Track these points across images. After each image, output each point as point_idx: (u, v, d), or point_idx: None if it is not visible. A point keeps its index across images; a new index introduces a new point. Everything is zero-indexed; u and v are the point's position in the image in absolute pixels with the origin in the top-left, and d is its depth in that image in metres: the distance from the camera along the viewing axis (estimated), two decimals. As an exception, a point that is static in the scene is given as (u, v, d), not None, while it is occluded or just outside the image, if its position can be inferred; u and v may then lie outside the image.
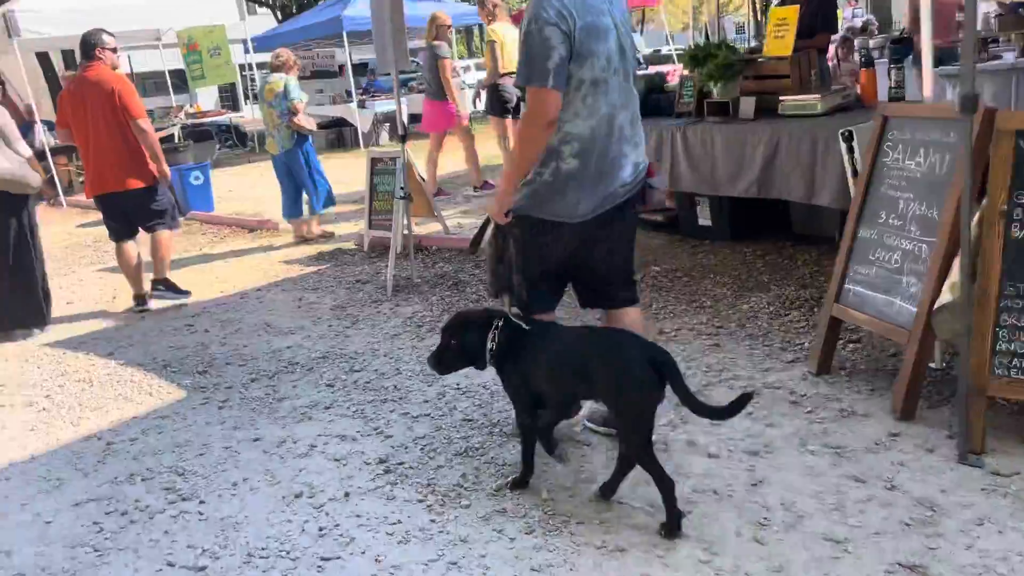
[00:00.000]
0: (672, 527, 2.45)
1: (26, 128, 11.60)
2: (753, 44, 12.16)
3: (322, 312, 5.21)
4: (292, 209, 7.36)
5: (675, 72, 10.30)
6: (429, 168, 8.43)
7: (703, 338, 4.00)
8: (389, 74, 6.12)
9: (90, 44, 5.48)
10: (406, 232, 5.73)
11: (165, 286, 5.82)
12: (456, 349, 2.83)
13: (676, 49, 19.02)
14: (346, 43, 14.40)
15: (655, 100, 6.06)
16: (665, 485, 2.45)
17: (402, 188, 5.53)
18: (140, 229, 5.72)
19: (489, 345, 2.74)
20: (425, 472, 3.04)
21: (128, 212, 5.61)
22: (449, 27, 8.43)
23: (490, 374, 2.94)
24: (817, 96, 4.60)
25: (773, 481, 2.71)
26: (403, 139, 5.61)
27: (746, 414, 3.17)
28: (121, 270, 5.78)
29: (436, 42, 8.23)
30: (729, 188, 4.89)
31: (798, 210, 5.37)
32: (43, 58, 16.60)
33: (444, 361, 2.87)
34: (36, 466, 3.47)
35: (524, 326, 2.75)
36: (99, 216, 6.03)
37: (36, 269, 5.38)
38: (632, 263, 3.02)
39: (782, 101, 4.71)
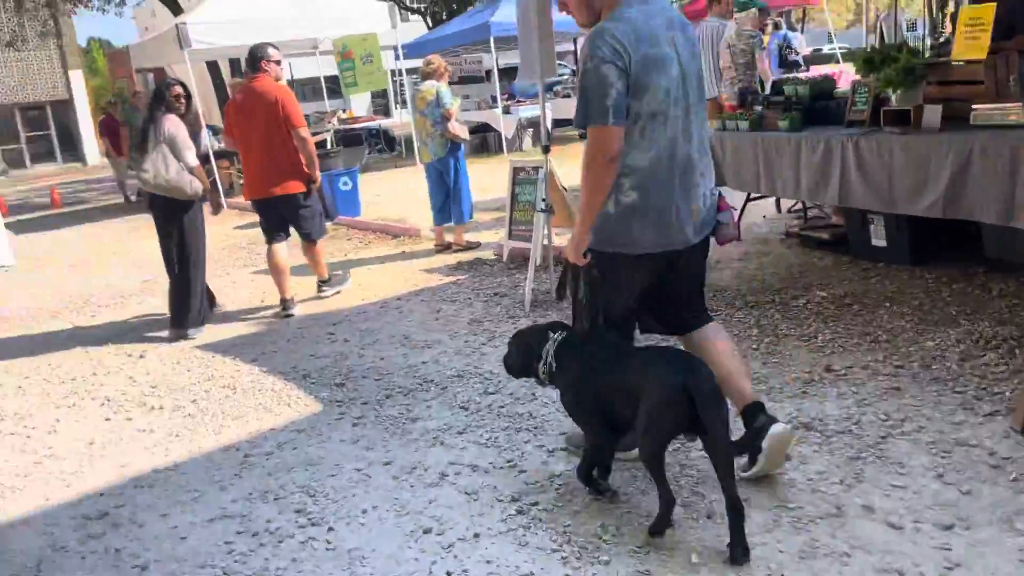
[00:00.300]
0: (655, 529, 2.54)
1: (194, 134, 12.33)
2: (928, 44, 11.17)
3: (459, 326, 5.09)
4: (440, 216, 7.32)
5: (839, 74, 9.58)
6: None
7: (880, 379, 3.55)
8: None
9: (256, 57, 5.74)
10: (546, 244, 5.52)
11: (328, 285, 6.17)
12: (514, 360, 3.01)
13: (840, 48, 17.92)
14: (492, 48, 14.44)
15: (822, 107, 5.57)
16: (664, 501, 2.50)
17: (543, 200, 5.32)
18: (293, 233, 5.93)
19: (543, 363, 2.84)
20: (561, 517, 2.80)
21: (283, 215, 5.81)
22: None
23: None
24: (1018, 105, 4.02)
25: (973, 566, 2.29)
26: (546, 149, 5.39)
27: (935, 475, 2.74)
28: (270, 272, 5.93)
29: None
30: (909, 206, 4.39)
31: (992, 232, 4.74)
32: (212, 66, 17.68)
33: (510, 368, 3.06)
34: (177, 475, 3.50)
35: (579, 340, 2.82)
36: (255, 218, 6.23)
37: (193, 273, 5.56)
38: (702, 289, 3.00)
39: (975, 110, 4.15)
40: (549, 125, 14.11)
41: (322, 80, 16.50)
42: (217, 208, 5.95)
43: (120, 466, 3.64)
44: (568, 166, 8.14)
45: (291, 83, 14.90)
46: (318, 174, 5.85)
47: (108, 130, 13.79)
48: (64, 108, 29.28)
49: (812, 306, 4.56)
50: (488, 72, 17.60)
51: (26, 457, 3.84)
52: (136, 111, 13.01)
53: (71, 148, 29.40)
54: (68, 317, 6.51)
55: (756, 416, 2.74)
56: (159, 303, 6.58)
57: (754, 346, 4.13)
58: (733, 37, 7.91)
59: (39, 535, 3.13)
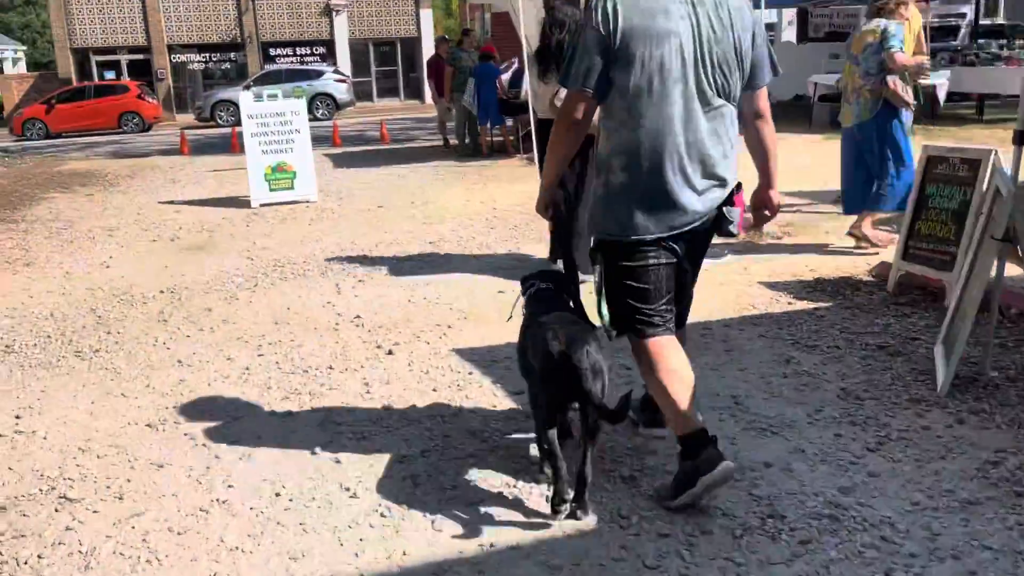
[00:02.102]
0: (554, 508, 2.53)
1: (516, 76, 11.37)
2: None
3: (823, 398, 3.29)
4: (855, 201, 5.48)
5: None
6: None
7: None
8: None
9: None
10: (988, 289, 3.46)
11: None
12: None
13: None
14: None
15: None
16: (555, 471, 2.50)
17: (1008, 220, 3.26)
18: None
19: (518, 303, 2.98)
20: None
21: None
22: None
23: None
24: None
25: None
26: (1021, 138, 3.28)
27: None
28: None
29: None
30: None
31: None
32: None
33: None
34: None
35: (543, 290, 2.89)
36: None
37: (582, 213, 4.89)
38: (691, 295, 2.79)
39: None
40: (942, 97, 11.26)
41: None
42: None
43: (290, 558, 2.44)
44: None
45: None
46: None
47: (434, 70, 13.38)
48: (412, 45, 30.70)
49: None
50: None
51: (195, 496, 2.81)
52: (462, 52, 12.37)
53: (414, 85, 30.87)
54: (337, 277, 5.69)
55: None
56: (437, 281, 5.52)
57: None
58: None
59: None
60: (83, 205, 9.45)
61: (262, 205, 8.63)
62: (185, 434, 3.31)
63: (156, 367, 4.09)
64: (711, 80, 2.43)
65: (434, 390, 3.63)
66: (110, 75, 27.97)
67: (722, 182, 2.52)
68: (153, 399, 3.69)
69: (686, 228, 2.51)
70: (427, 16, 30.74)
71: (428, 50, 29.71)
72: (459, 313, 4.69)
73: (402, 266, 5.87)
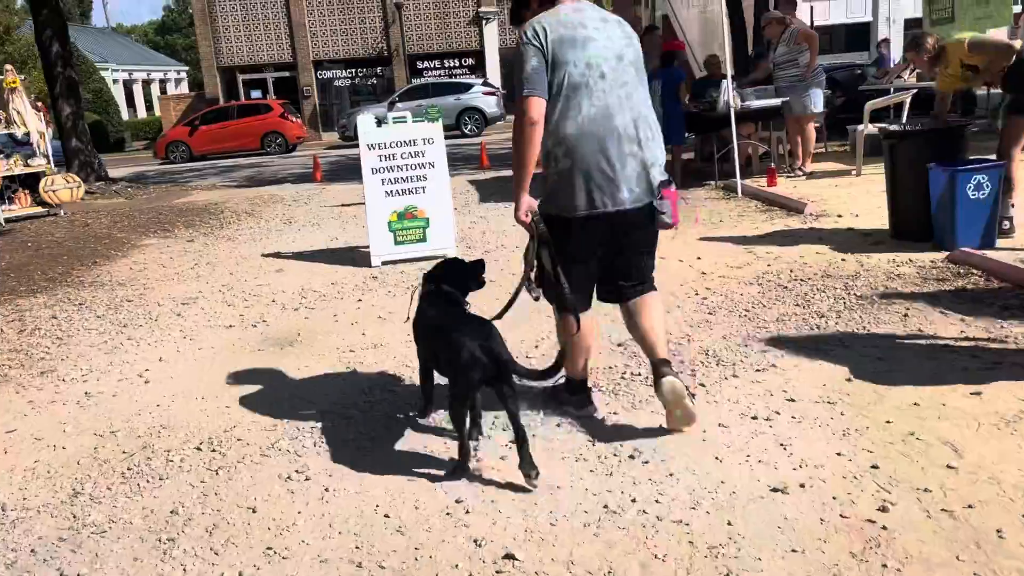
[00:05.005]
0: (449, 477, 2.90)
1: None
2: None
3: None
4: None
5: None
6: None
7: None
8: None
9: None
10: None
11: None
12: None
13: None
14: None
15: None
16: (463, 450, 2.91)
17: None
18: None
19: (412, 304, 3.31)
20: None
21: None
22: None
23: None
24: None
25: None
26: None
27: None
28: None
29: None
30: None
31: None
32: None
33: None
34: None
35: (438, 296, 3.22)
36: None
37: None
38: (648, 268, 3.20)
39: None
40: None
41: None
42: None
43: None
44: None
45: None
46: None
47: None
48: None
49: None
50: None
51: None
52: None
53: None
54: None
55: (658, 369, 3.06)
56: (665, 462, 3.10)
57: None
58: None
59: None
60: (174, 258, 7.70)
61: (385, 263, 6.54)
62: None
63: None
64: (629, 76, 2.96)
65: None
66: (256, 94, 27.50)
67: (650, 163, 2.98)
68: None
69: (623, 207, 2.94)
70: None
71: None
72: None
73: (580, 418, 3.48)
